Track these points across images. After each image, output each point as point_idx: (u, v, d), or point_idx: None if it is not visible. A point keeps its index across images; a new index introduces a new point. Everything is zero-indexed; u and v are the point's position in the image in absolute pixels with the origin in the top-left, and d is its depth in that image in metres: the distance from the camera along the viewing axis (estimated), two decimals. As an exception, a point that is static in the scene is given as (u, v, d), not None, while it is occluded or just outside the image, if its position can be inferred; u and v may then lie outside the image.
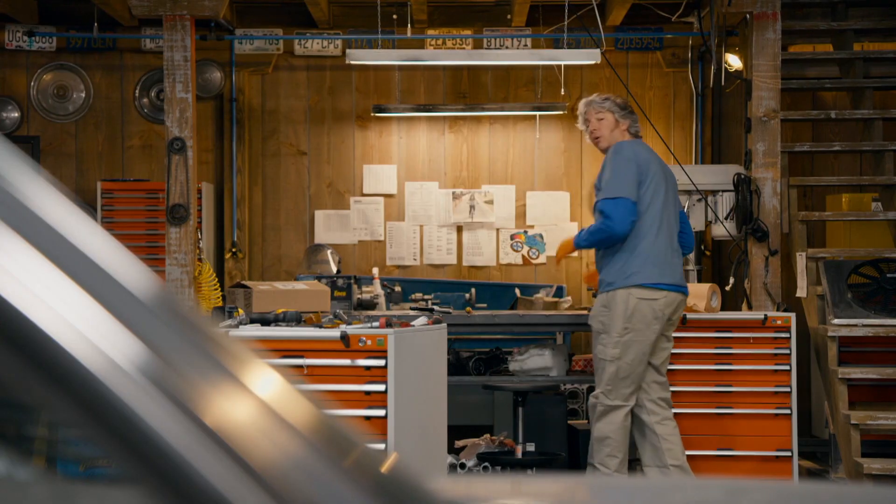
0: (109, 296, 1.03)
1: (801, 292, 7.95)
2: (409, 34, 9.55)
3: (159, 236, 9.30)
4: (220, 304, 8.32)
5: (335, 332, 5.35)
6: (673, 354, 7.02)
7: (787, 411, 6.99)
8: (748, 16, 8.12)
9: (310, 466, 1.05)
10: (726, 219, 8.26)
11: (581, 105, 6.79)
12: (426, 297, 8.89)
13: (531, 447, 7.51)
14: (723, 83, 8.88)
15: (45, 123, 10.44)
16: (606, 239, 6.36)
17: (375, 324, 5.47)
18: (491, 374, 7.90)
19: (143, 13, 8.22)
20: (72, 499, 1.36)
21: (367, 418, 5.23)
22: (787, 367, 7.02)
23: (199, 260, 8.55)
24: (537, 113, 10.25)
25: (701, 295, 7.14)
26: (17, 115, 10.43)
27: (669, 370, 7.01)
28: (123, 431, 1.00)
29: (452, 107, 10.31)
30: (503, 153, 10.43)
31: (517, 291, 9.29)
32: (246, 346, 1.12)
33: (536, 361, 7.66)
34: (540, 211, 10.37)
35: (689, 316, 7.02)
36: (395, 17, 9.73)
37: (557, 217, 10.35)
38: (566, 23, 8.79)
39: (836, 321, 7.62)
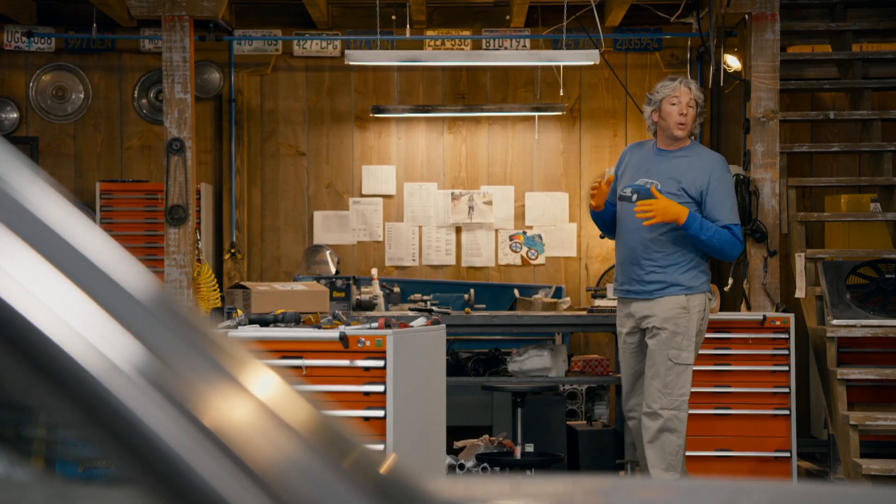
0: (108, 297, 1.02)
1: (800, 293, 7.95)
2: (407, 35, 9.55)
3: (158, 237, 9.31)
4: (219, 304, 8.32)
5: (334, 333, 5.35)
6: (672, 355, 7.03)
7: (786, 412, 6.99)
8: (747, 16, 8.12)
9: (308, 467, 1.05)
10: (725, 219, 8.25)
11: (681, 82, 6.29)
12: (425, 297, 8.89)
13: (530, 448, 7.51)
14: (721, 84, 8.87)
15: (44, 124, 10.44)
16: (722, 256, 6.25)
17: (374, 324, 5.46)
18: (490, 374, 7.90)
19: (142, 14, 8.22)
20: (70, 500, 1.36)
21: (366, 419, 5.23)
22: (786, 368, 7.03)
23: (198, 261, 8.55)
24: (536, 114, 10.25)
25: (700, 296, 7.13)
26: (15, 115, 10.43)
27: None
28: (122, 432, 1.00)
29: (451, 107, 10.31)
30: (502, 154, 10.43)
31: (516, 292, 9.29)
32: (245, 347, 1.12)
33: (535, 362, 7.66)
34: (539, 212, 10.37)
35: (688, 316, 7.02)
36: (393, 17, 9.73)
37: (556, 218, 10.35)
38: (565, 24, 8.79)
39: (834, 322, 7.62)
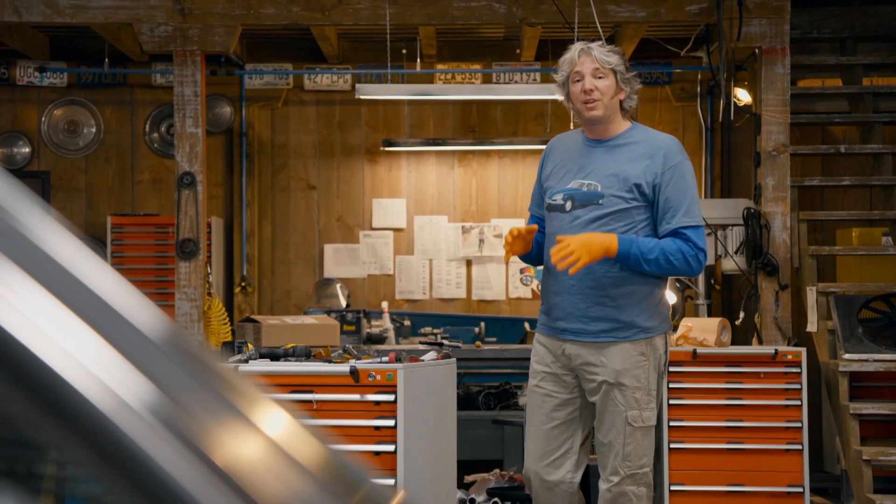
0: (118, 335, 1.02)
1: (812, 327, 7.92)
2: (418, 69, 9.58)
3: (169, 271, 9.32)
4: (230, 338, 8.32)
5: (344, 367, 5.34)
6: (683, 389, 7.01)
7: (799, 447, 6.95)
8: (757, 51, 8.13)
9: (319, 505, 1.04)
10: (736, 253, 8.25)
11: (581, 50, 4.79)
12: (435, 331, 8.89)
13: (541, 482, 7.47)
14: (732, 117, 8.88)
15: (56, 158, 10.48)
16: (682, 273, 4.75)
17: (385, 358, 5.45)
18: (500, 408, 7.88)
19: (154, 49, 8.26)
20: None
21: (377, 454, 5.21)
22: (798, 402, 6.99)
23: (209, 294, 8.55)
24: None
25: (711, 329, 7.11)
26: (27, 150, 10.47)
27: (680, 405, 6.98)
28: (132, 470, 1.00)
29: (462, 141, 10.33)
30: (512, 187, 10.43)
31: (527, 325, 9.27)
32: (254, 384, 1.11)
33: (546, 396, 7.62)
34: (549, 245, 10.36)
35: (700, 351, 7.00)
36: (404, 51, 9.76)
37: (567, 251, 10.33)
38: (575, 58, 8.81)
39: (846, 356, 7.59)
